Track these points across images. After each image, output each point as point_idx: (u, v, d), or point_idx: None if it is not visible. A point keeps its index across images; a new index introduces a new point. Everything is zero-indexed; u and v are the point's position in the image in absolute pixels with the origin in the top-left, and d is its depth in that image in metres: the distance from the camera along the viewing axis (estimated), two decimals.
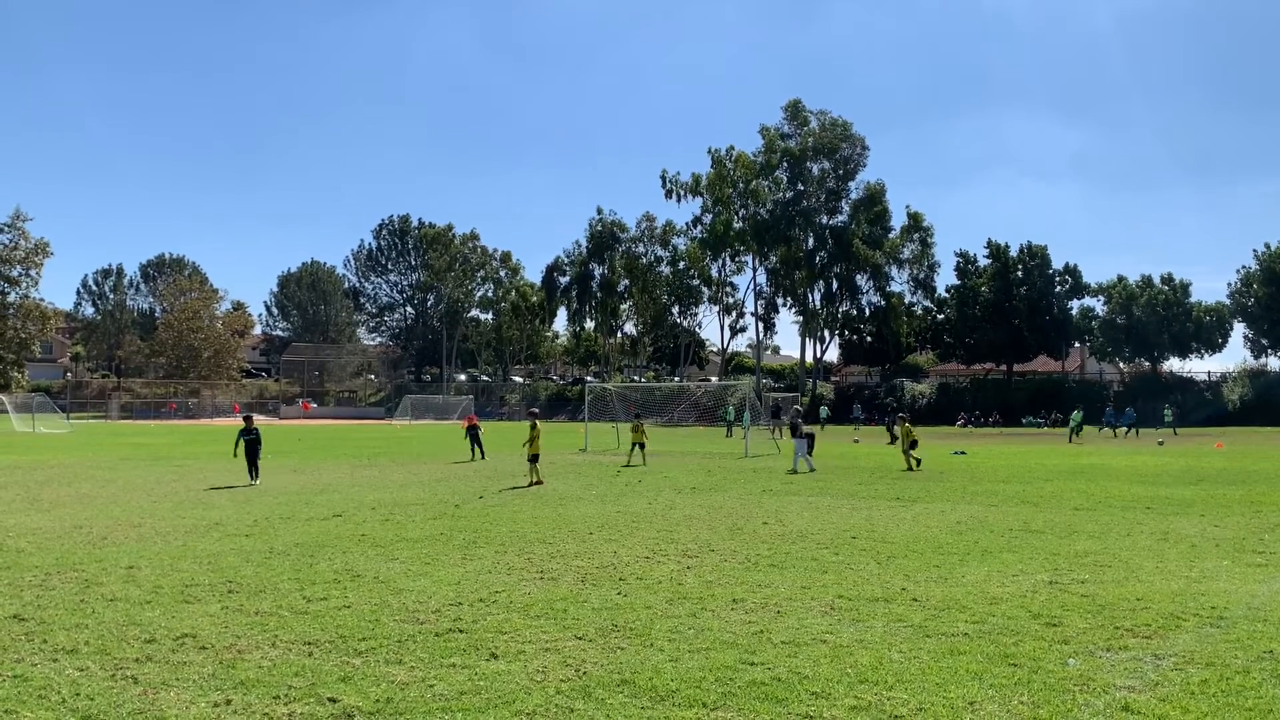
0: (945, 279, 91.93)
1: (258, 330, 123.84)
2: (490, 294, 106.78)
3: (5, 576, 9.36)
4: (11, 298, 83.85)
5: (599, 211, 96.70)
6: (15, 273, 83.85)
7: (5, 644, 6.83)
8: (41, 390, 78.30)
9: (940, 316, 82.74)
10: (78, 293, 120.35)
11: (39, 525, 13.33)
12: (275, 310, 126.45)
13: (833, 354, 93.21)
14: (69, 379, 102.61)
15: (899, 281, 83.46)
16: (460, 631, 7.32)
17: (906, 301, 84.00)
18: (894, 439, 41.55)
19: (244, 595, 8.64)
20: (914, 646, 6.98)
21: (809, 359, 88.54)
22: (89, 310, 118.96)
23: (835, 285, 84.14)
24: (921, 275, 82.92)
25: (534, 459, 21.14)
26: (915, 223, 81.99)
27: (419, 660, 6.56)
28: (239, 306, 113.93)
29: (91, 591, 8.71)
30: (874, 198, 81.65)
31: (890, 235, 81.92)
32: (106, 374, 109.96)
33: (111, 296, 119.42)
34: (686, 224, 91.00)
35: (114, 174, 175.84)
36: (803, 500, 17.35)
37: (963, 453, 33.39)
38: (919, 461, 24.98)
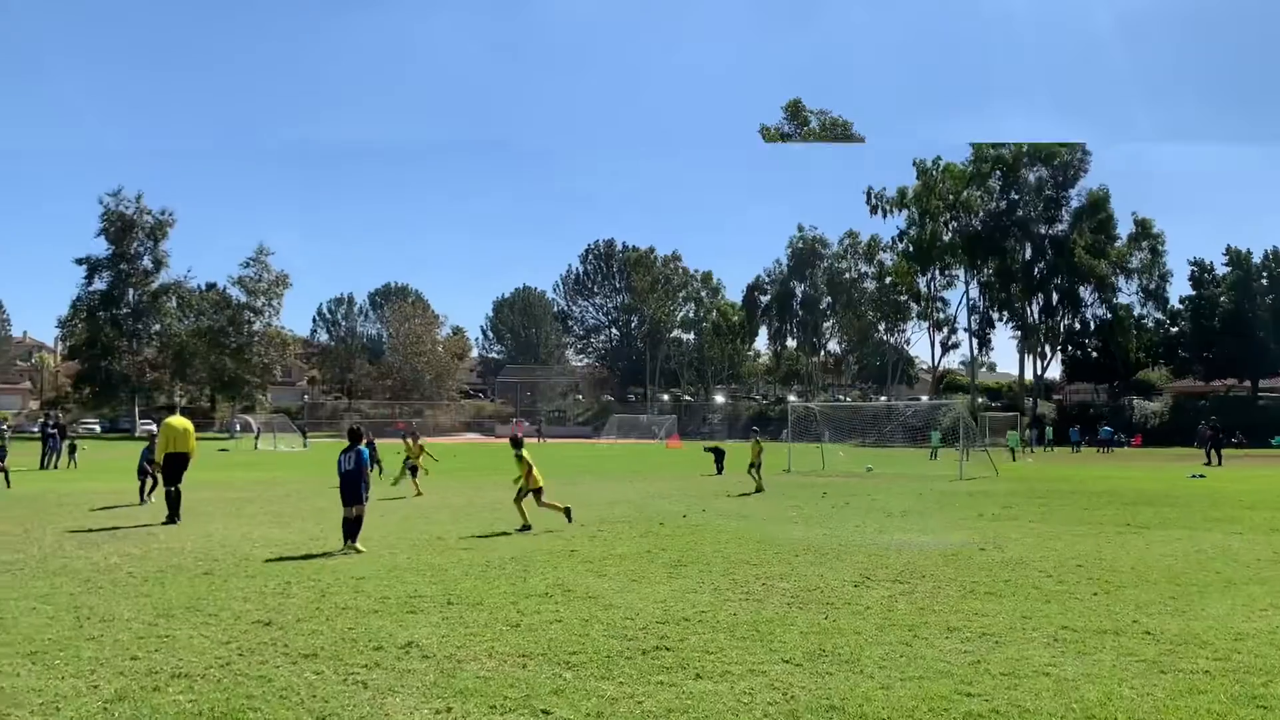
0: (1178, 289, 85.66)
1: (474, 353, 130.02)
2: (692, 314, 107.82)
3: (253, 585, 10.16)
4: (256, 326, 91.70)
5: (800, 229, 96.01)
6: (259, 303, 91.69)
7: (252, 647, 7.40)
8: (282, 411, 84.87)
9: (1174, 329, 77.03)
10: (313, 320, 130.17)
11: (281, 538, 14.40)
12: (490, 334, 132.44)
13: (1054, 371, 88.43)
14: (306, 401, 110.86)
15: (1126, 293, 78.60)
16: (667, 649, 7.37)
17: (1135, 314, 78.71)
18: (1209, 460, 38.78)
19: (462, 607, 9.02)
20: (1147, 683, 6.49)
21: (1028, 376, 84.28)
22: (323, 336, 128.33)
23: (1056, 298, 79.91)
24: (1152, 285, 77.67)
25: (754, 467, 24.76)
26: (1144, 230, 76.89)
27: (627, 676, 6.64)
28: (457, 331, 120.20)
29: (326, 600, 9.32)
30: (1097, 205, 77.04)
31: (1116, 244, 77.07)
32: (339, 396, 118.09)
33: (343, 323, 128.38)
34: (892, 238, 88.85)
35: (344, 210, 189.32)
36: (1023, 526, 16.50)
37: (1201, 475, 30.87)
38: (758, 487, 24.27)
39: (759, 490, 23.84)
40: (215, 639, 7.63)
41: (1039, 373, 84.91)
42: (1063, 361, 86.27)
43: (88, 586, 9.91)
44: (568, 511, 15.78)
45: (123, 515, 17.21)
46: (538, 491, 15.57)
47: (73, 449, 36.49)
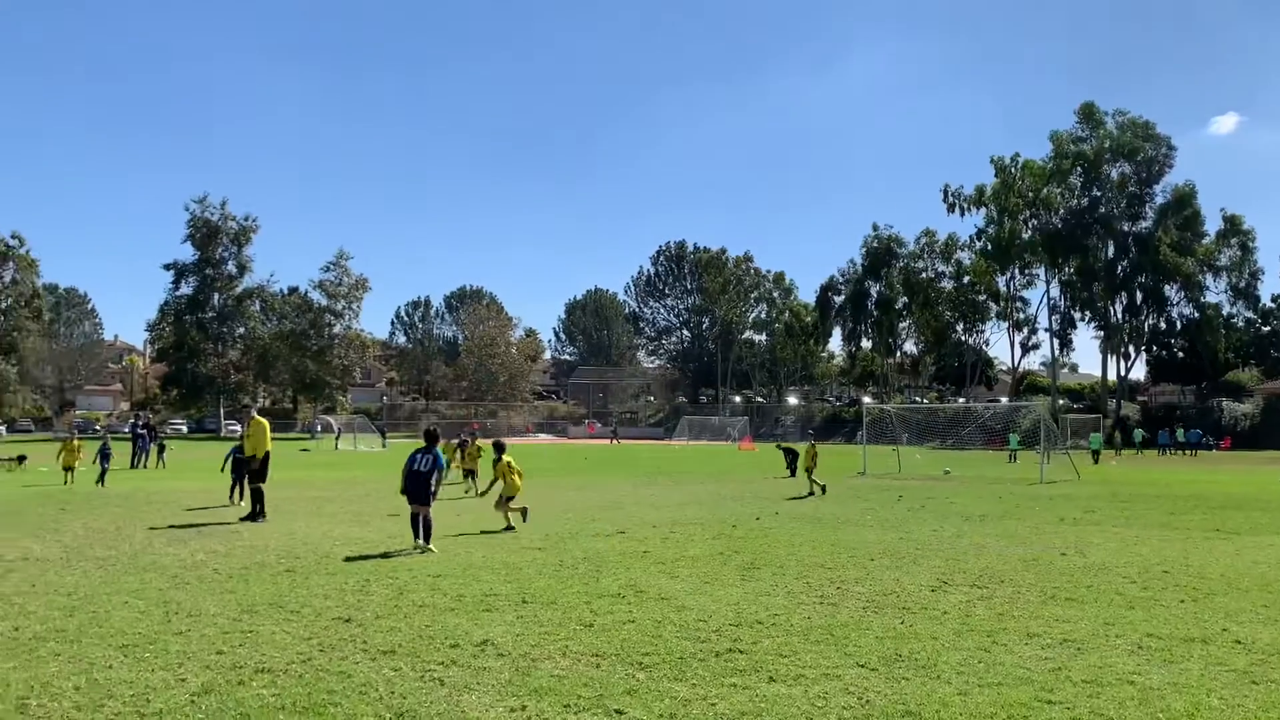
0: (1269, 287, 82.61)
1: (547, 355, 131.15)
2: (764, 315, 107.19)
3: (333, 582, 10.38)
4: (336, 329, 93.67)
5: (874, 228, 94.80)
6: (339, 306, 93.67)
7: (333, 643, 7.56)
8: (362, 412, 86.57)
9: (1265, 329, 74.26)
10: (391, 323, 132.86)
11: (360, 536, 14.69)
12: (563, 336, 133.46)
13: (1139, 371, 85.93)
14: (385, 402, 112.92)
15: (1215, 291, 76.02)
16: (740, 652, 7.34)
17: (1224, 313, 76.12)
18: None
19: (536, 606, 9.10)
20: (1237, 694, 6.27)
21: (1111, 377, 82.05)
22: (401, 339, 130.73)
23: (1140, 297, 77.66)
24: (1241, 283, 75.01)
25: (808, 471, 24.22)
26: (1233, 226, 74.33)
27: (700, 678, 6.63)
28: (531, 333, 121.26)
29: (403, 598, 9.47)
30: (1183, 201, 74.66)
31: (1204, 241, 74.63)
32: (416, 397, 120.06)
33: (420, 326, 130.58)
34: (970, 237, 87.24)
35: (422, 213, 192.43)
36: (1106, 530, 16.08)
37: None
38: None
39: (811, 494, 23.36)
40: (297, 635, 7.81)
41: (1123, 374, 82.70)
42: (1147, 362, 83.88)
43: (175, 582, 10.22)
44: (514, 519, 15.68)
45: (209, 513, 17.72)
46: (509, 498, 15.72)
47: (161, 449, 37.69)
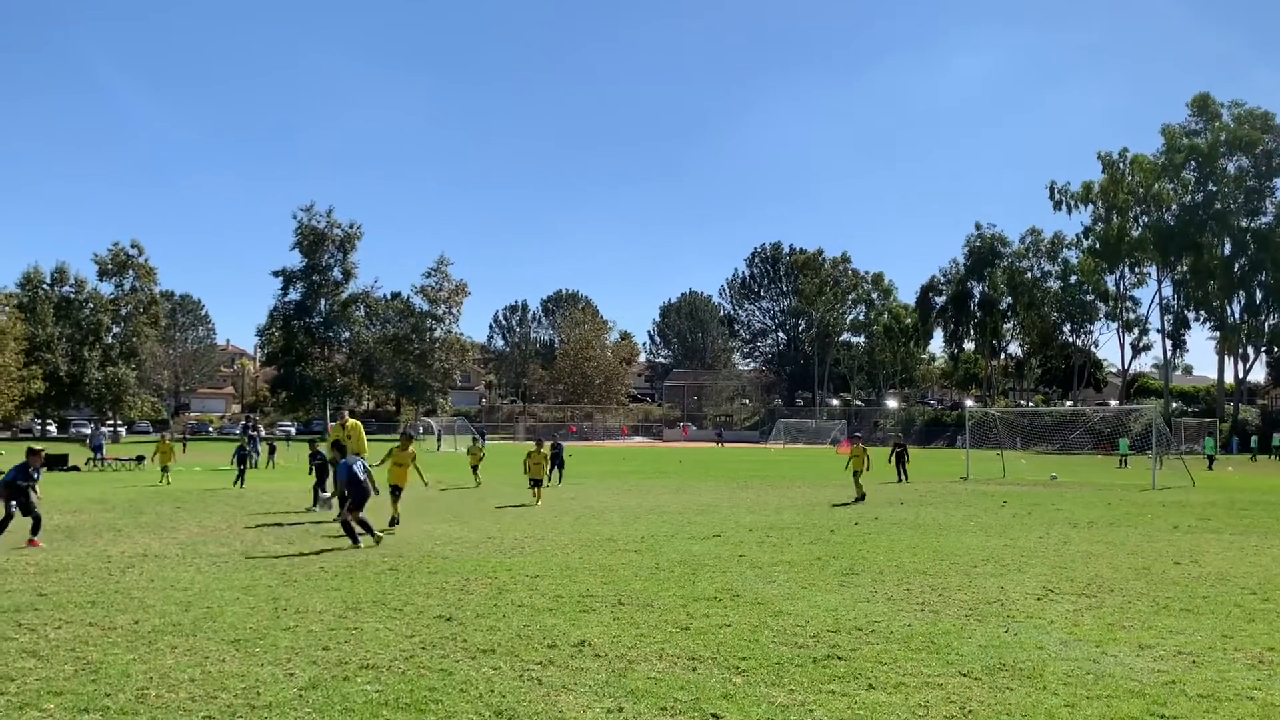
0: None
1: (642, 358, 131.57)
2: (862, 317, 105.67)
3: (435, 581, 10.59)
4: (437, 333, 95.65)
5: (977, 227, 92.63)
6: (440, 311, 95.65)
7: (434, 641, 7.71)
8: (461, 414, 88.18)
9: None
10: (490, 327, 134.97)
11: (460, 536, 14.97)
12: (657, 338, 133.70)
13: (1258, 373, 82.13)
14: (483, 404, 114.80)
15: None
16: (839, 659, 7.24)
17: None
18: None
19: (633, 608, 9.13)
20: None
21: (1228, 380, 78.57)
22: (499, 342, 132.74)
23: (1259, 295, 74.15)
24: None
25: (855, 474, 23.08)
26: None
27: (798, 684, 6.56)
28: (626, 336, 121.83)
29: (503, 598, 9.61)
30: None
31: None
32: (514, 399, 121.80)
33: (518, 329, 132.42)
34: (1077, 235, 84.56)
35: (519, 217, 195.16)
36: (1223, 539, 15.40)
37: None
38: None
39: (859, 499, 22.21)
40: (400, 632, 7.99)
41: (1240, 376, 79.09)
42: (1268, 364, 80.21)
43: (284, 579, 10.56)
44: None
45: (316, 513, 18.25)
46: (397, 490, 16.26)
47: (272, 450, 39.03)
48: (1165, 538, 15.51)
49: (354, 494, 13.44)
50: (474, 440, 27.28)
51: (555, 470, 26.33)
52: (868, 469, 23.64)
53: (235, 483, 25.22)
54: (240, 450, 27.03)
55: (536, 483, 21.23)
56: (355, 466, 13.73)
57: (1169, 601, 9.72)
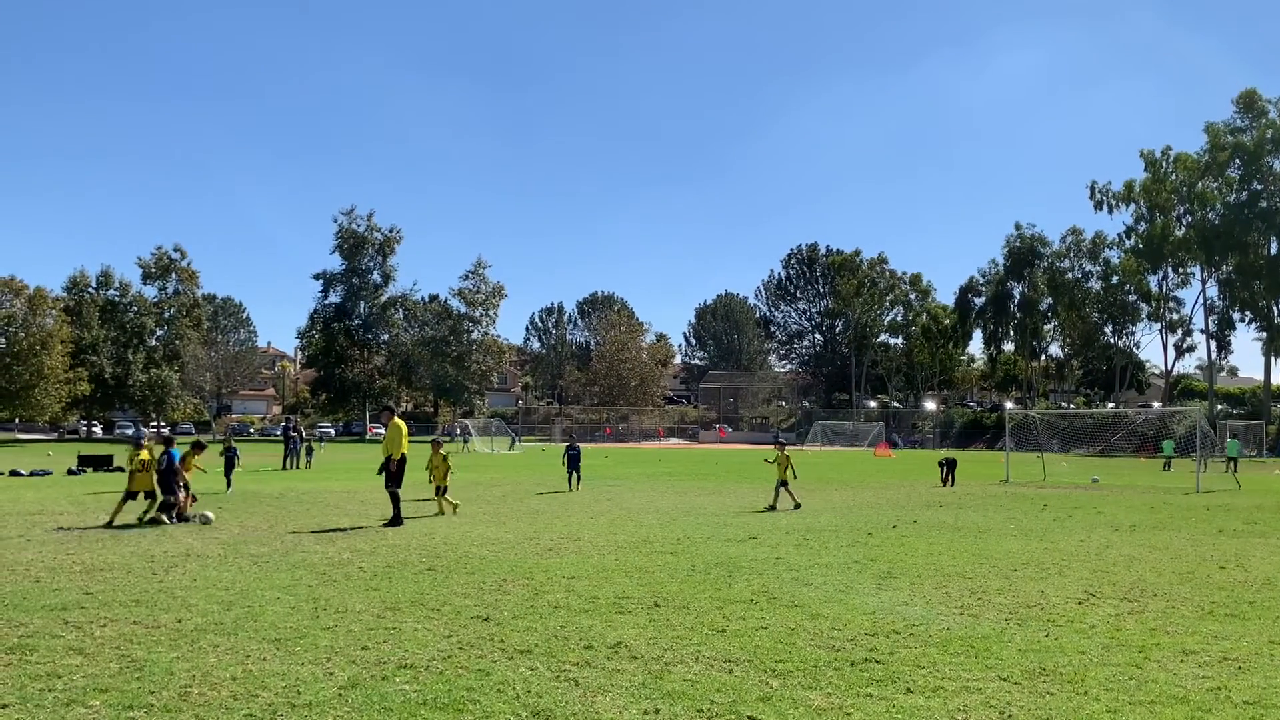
0: None
1: (678, 360, 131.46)
2: (900, 318, 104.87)
3: (472, 581, 10.65)
4: (474, 335, 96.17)
5: (1017, 227, 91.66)
6: (477, 313, 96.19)
7: (472, 641, 7.75)
8: (498, 416, 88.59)
9: None
10: (526, 329, 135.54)
11: (497, 536, 15.03)
12: (693, 340, 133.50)
13: None
14: (519, 406, 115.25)
15: None
16: (876, 662, 7.19)
17: None
18: None
19: (669, 610, 9.13)
20: None
21: (1275, 381, 77.10)
22: (535, 344, 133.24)
23: None
24: None
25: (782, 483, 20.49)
26: None
27: (835, 687, 6.53)
28: (661, 338, 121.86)
29: (540, 599, 9.64)
30: None
31: None
32: (550, 401, 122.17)
33: (554, 331, 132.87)
34: (1119, 235, 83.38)
35: (559, 223, 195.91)
36: (1270, 543, 15.11)
37: None
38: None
39: (772, 508, 20.21)
40: (437, 632, 8.05)
41: None
42: None
43: (323, 579, 10.67)
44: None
45: (356, 514, 18.42)
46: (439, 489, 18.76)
47: (310, 451, 39.43)
48: (1210, 541, 15.25)
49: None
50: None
51: (573, 474, 25.71)
52: (795, 476, 21.38)
53: (228, 489, 23.08)
54: (229, 454, 24.34)
55: (440, 490, 19.03)
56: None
57: (1214, 606, 9.56)
